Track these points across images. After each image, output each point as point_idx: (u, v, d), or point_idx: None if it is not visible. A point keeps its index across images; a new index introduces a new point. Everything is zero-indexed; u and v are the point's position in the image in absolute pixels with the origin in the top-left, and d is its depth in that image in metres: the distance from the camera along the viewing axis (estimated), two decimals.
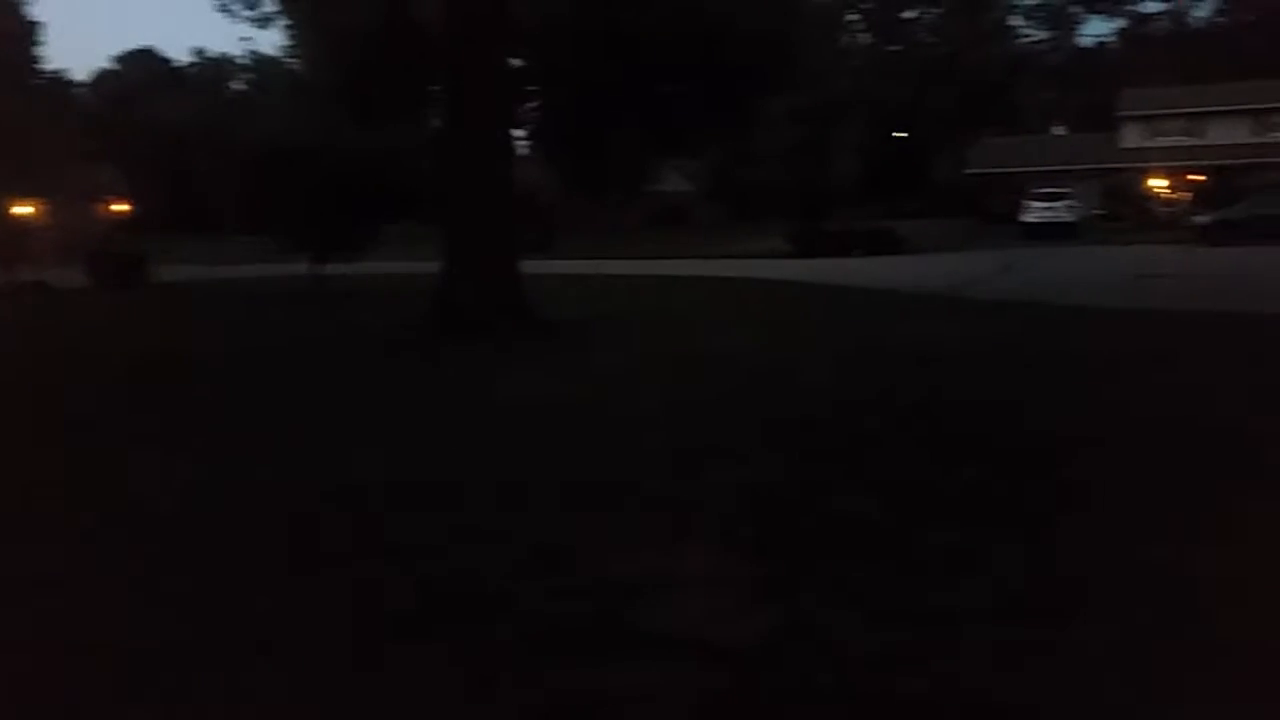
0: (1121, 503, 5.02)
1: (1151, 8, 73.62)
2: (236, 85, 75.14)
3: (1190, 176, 45.00)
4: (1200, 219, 31.71)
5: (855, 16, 70.99)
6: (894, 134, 59.34)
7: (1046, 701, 3.09)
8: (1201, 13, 73.28)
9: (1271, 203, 30.32)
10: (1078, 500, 5.06)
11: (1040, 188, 38.34)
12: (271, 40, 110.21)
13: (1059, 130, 54.68)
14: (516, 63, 43.36)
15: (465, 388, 9.41)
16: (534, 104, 54.15)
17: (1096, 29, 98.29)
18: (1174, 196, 44.56)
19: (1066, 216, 35.89)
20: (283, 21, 53.13)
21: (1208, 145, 45.19)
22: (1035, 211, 36.47)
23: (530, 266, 14.41)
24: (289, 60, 59.33)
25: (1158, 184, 45.11)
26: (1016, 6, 75.29)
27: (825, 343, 11.65)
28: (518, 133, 58.03)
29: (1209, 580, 3.95)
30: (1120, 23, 75.17)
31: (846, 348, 11.14)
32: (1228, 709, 3.07)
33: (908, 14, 70.03)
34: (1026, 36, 76.11)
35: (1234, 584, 3.89)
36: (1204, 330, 11.38)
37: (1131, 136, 47.41)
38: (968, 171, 50.67)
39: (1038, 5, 76.11)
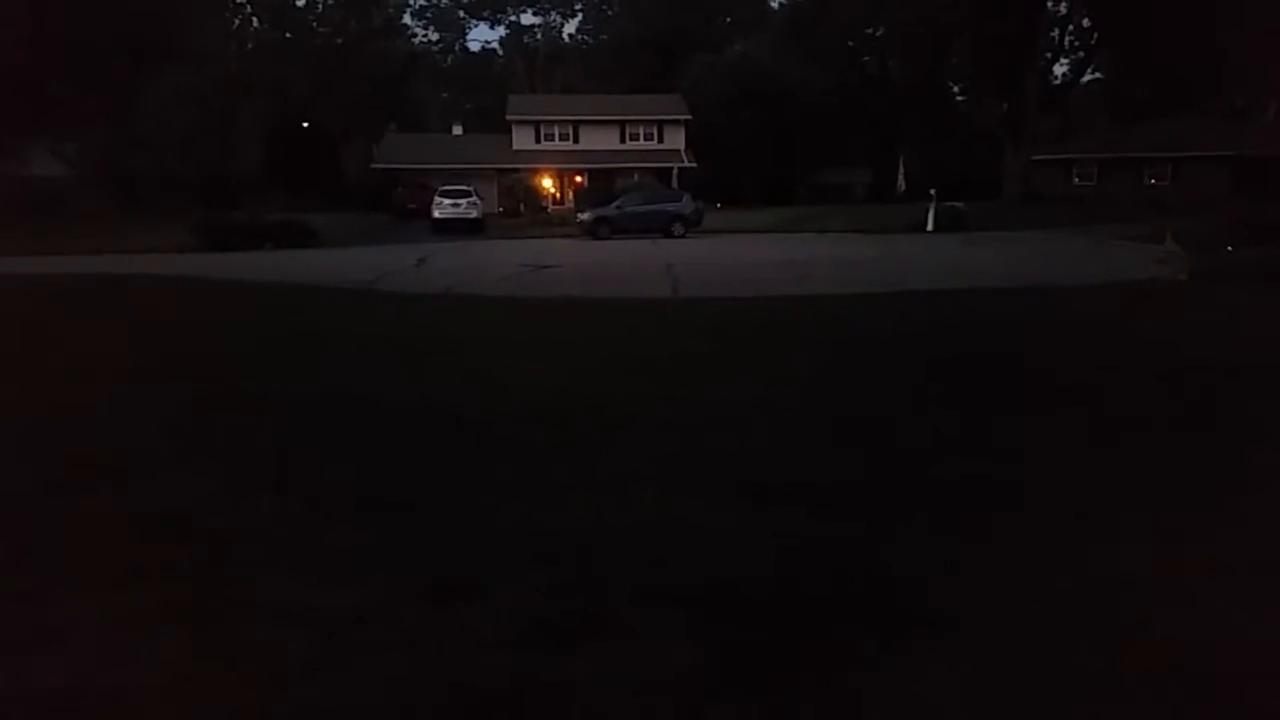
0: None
1: (529, 20, 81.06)
2: None
3: (575, 178, 50.75)
4: (583, 216, 36.10)
5: None
6: (299, 124, 57.82)
7: None
8: (571, 29, 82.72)
9: (635, 202, 35.58)
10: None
11: (446, 185, 40.22)
12: None
13: (458, 130, 57.72)
14: None
15: None
16: None
17: (483, 34, 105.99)
18: (560, 195, 49.96)
19: (471, 213, 38.17)
20: None
21: (584, 150, 51.23)
22: (443, 208, 38.21)
23: None
24: None
25: (547, 184, 50.09)
26: (407, 5, 78.12)
27: (211, 347, 10.89)
28: None
29: None
30: (503, 31, 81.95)
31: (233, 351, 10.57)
32: None
33: (298, 2, 68.60)
34: (418, 36, 79.50)
35: None
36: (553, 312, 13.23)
37: (521, 139, 51.76)
38: (375, 166, 51.30)
39: (426, 6, 79.84)
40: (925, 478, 5.40)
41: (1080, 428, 6.48)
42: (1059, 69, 53.44)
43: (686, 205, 35.13)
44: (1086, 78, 54.61)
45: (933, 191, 35.28)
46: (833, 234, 33.63)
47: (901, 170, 47.79)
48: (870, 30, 57.55)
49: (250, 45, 67.09)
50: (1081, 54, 53.18)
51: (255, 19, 68.87)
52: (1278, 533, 4.54)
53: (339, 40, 66.70)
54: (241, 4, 68.01)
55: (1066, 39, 52.00)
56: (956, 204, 35.69)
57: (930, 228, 33.91)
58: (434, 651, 3.43)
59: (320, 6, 69.09)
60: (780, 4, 67.30)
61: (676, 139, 51.59)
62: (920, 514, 4.79)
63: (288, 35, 66.89)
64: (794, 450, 6.00)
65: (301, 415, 7.05)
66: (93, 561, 4.22)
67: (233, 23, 67.62)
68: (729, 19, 68.90)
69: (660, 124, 51.93)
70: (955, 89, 59.88)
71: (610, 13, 77.95)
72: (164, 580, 4.00)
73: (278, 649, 3.42)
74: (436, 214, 38.09)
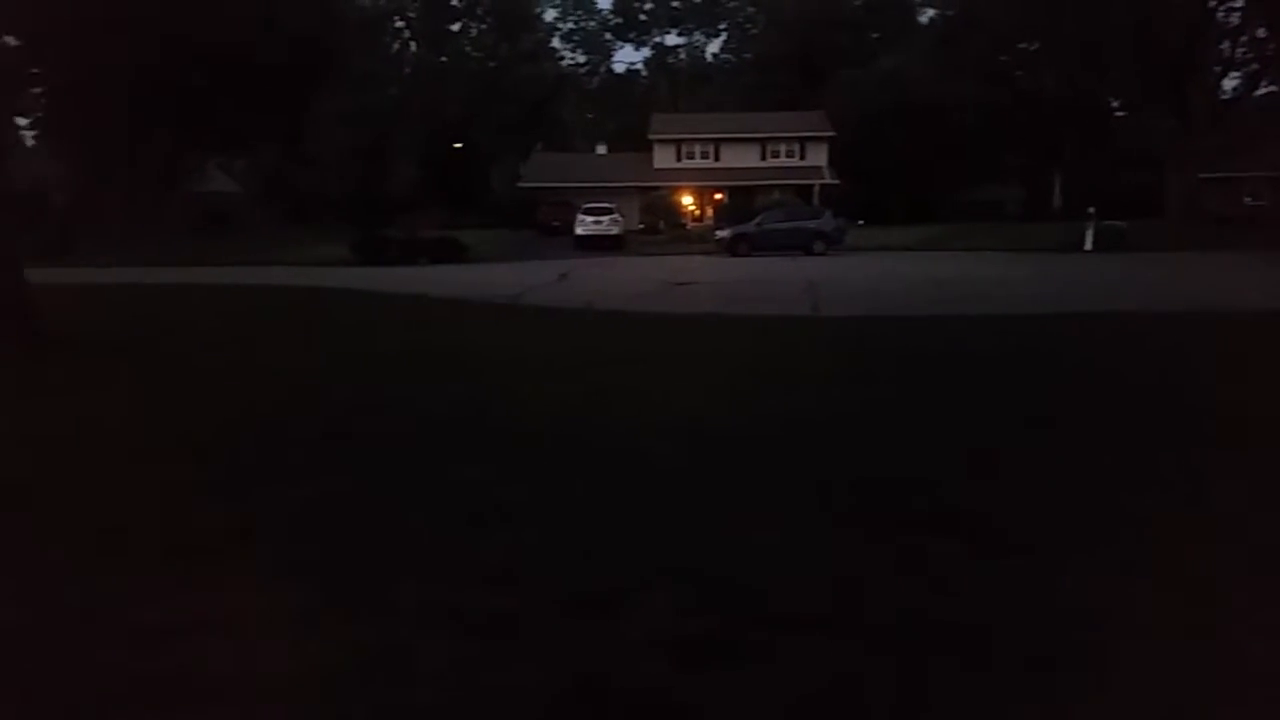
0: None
1: (673, 41, 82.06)
2: None
3: (715, 195, 50.94)
4: (722, 233, 36.14)
5: (401, 24, 71.07)
6: (452, 144, 60.14)
7: None
8: (714, 49, 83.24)
9: (775, 219, 35.39)
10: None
11: (589, 203, 41.11)
12: None
13: (601, 149, 58.84)
14: (11, 40, 37.53)
15: None
16: (39, 89, 47.16)
17: (628, 56, 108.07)
18: (700, 213, 50.21)
19: (613, 230, 38.89)
20: None
21: (725, 168, 51.37)
22: (585, 225, 39.04)
23: (47, 275, 12.43)
24: None
25: (686, 201, 50.44)
26: (556, 29, 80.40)
27: (368, 350, 11.35)
28: (19, 121, 50.20)
29: None
30: (647, 52, 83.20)
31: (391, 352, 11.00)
32: None
33: (453, 27, 71.50)
34: (566, 59, 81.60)
35: None
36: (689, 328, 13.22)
37: (663, 158, 52.36)
38: (521, 185, 52.77)
39: (574, 30, 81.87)
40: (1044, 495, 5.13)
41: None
42: (1229, 83, 50.30)
43: (828, 222, 34.73)
44: (1260, 91, 51.16)
45: (1091, 209, 33.79)
46: (983, 252, 32.60)
47: (1057, 187, 45.89)
48: (1024, 44, 55.59)
49: (408, 69, 70.30)
50: (1255, 66, 49.88)
51: (414, 43, 72.19)
52: None
53: (491, 64, 69.09)
54: (401, 29, 71.44)
55: (1238, 51, 48.89)
56: (1117, 223, 34.04)
57: (1089, 247, 32.47)
58: None
59: (475, 31, 71.86)
60: (930, 19, 65.94)
61: (819, 156, 51.10)
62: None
63: (443, 59, 69.75)
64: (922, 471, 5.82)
65: (433, 425, 7.27)
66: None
67: (392, 47, 71.07)
68: (876, 35, 67.89)
69: (802, 141, 51.56)
70: (1115, 104, 57.15)
71: (754, 31, 78.05)
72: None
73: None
74: (579, 231, 38.95)
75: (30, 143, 52.86)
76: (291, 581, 4.01)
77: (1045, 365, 9.83)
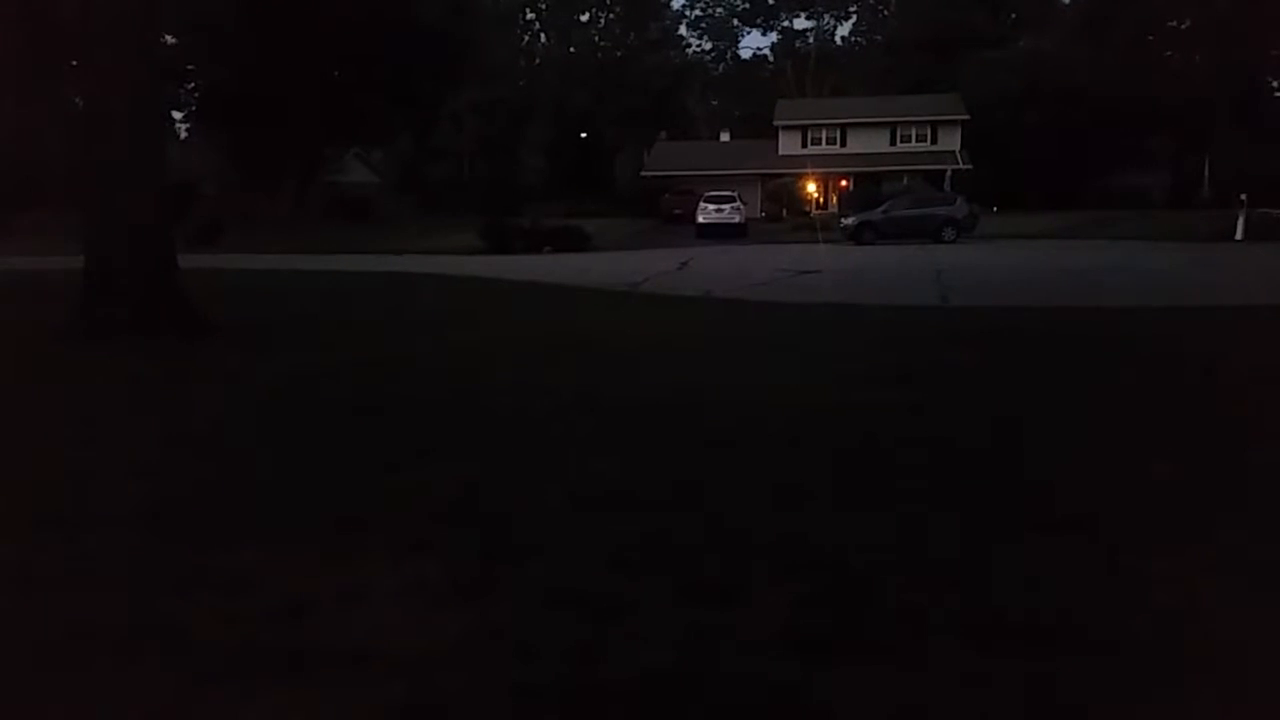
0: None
1: (801, 25, 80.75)
2: None
3: (840, 182, 50.10)
4: (846, 220, 35.52)
5: (532, 16, 72.30)
6: (579, 134, 60.92)
7: None
8: (844, 32, 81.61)
9: (902, 206, 34.57)
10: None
11: (711, 191, 41.01)
12: None
13: (725, 136, 58.55)
14: (170, 39, 39.89)
15: (107, 401, 8.35)
16: (192, 84, 50.11)
17: (755, 41, 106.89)
18: (824, 200, 49.47)
19: (735, 218, 38.70)
20: None
21: (851, 154, 50.42)
22: (707, 213, 38.97)
23: (197, 261, 13.21)
24: None
25: (810, 188, 49.76)
26: (683, 16, 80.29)
27: (508, 337, 11.65)
28: (175, 115, 53.39)
29: None
30: (774, 37, 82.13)
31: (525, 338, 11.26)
32: None
33: (582, 17, 72.25)
34: (692, 46, 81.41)
35: None
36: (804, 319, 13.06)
37: (787, 144, 51.75)
38: (645, 173, 53.03)
39: (702, 16, 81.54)
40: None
41: None
42: None
43: (959, 209, 33.72)
44: None
45: (1243, 196, 31.77)
46: (1125, 240, 31.09)
47: (1207, 173, 43.26)
48: (1175, 23, 52.54)
49: (538, 60, 71.50)
50: None
51: (544, 35, 73.37)
52: None
53: (619, 53, 69.60)
54: (531, 21, 72.69)
55: None
56: (1272, 211, 31.91)
57: (1240, 236, 30.58)
58: None
59: (603, 21, 72.46)
60: None
61: (951, 140, 49.62)
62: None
63: (572, 50, 70.65)
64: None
65: (548, 406, 7.43)
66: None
67: (523, 39, 72.40)
68: (1014, 14, 65.33)
69: (934, 124, 50.17)
70: (1275, 84, 53.45)
71: (886, 13, 76.18)
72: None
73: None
74: (701, 219, 38.92)
75: (183, 135, 56.14)
76: None
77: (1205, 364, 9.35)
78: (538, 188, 57.80)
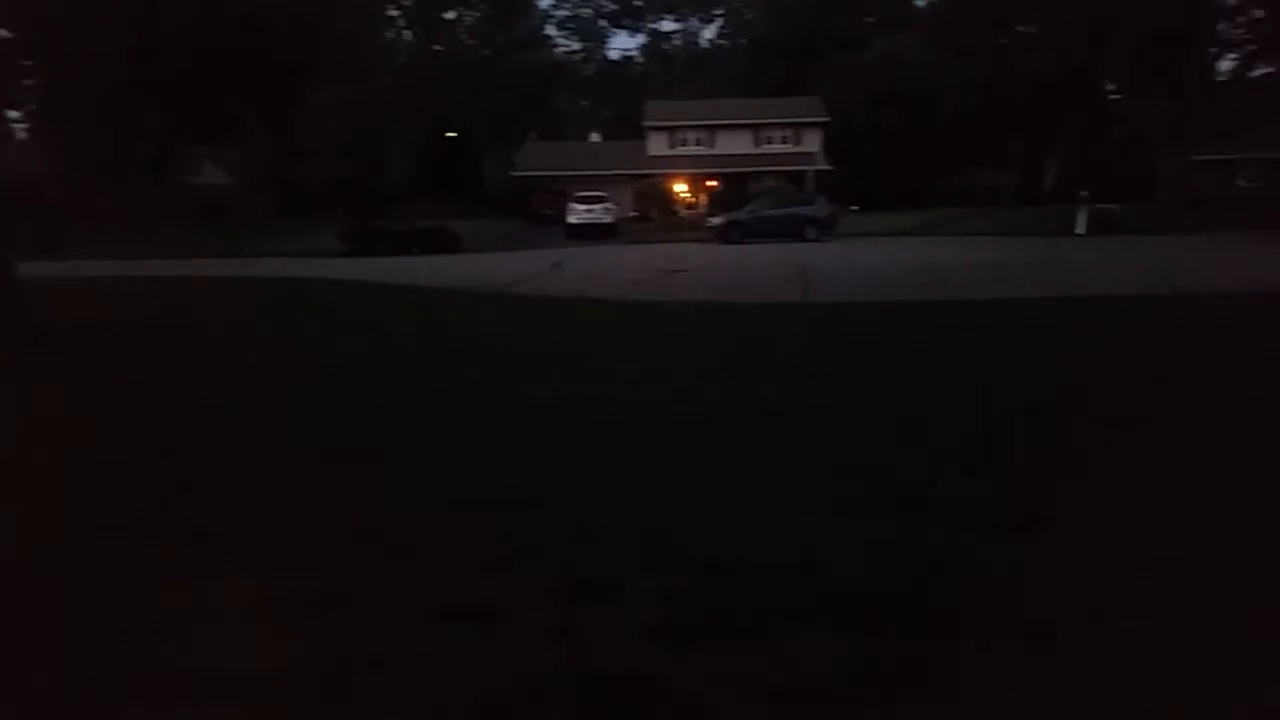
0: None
1: (668, 27, 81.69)
2: None
3: (708, 182, 50.81)
4: (715, 220, 36.07)
5: (396, 13, 70.79)
6: (446, 133, 59.93)
7: None
8: (709, 34, 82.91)
9: (768, 206, 35.30)
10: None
11: (581, 191, 40.96)
12: None
13: (595, 137, 58.58)
14: (4, 33, 37.37)
15: None
16: (31, 80, 47.04)
17: (623, 43, 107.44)
18: (694, 200, 50.09)
19: (605, 218, 38.75)
20: None
21: (719, 154, 51.20)
22: (578, 213, 38.91)
23: (36, 269, 12.39)
24: None
25: (680, 189, 50.31)
26: (551, 17, 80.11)
27: (350, 345, 11.34)
28: (12, 114, 50.01)
29: None
30: (642, 39, 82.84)
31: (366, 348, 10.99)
32: None
33: (448, 15, 71.16)
34: (561, 46, 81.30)
35: None
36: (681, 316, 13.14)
37: (656, 145, 52.15)
38: (515, 174, 52.60)
39: (570, 17, 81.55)
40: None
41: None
42: (1225, 64, 50.19)
43: (821, 209, 34.63)
44: (1256, 72, 51.01)
45: (1084, 193, 33.73)
46: (975, 237, 32.55)
47: (1051, 171, 45.78)
48: (1021, 27, 55.39)
49: (403, 58, 70.03)
50: (1252, 47, 49.64)
51: (409, 32, 71.87)
52: None
53: (486, 52, 68.83)
54: (396, 17, 71.11)
55: (1235, 32, 48.71)
56: (1110, 206, 33.98)
57: (1081, 231, 32.42)
58: None
59: (470, 20, 71.52)
60: (926, 1, 65.63)
61: (813, 142, 50.96)
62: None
63: (438, 48, 69.50)
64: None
65: (423, 410, 7.26)
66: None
67: (387, 36, 70.74)
68: (871, 19, 67.56)
69: (797, 127, 51.41)
70: (1111, 88, 56.98)
71: (749, 16, 77.73)
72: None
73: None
74: (571, 219, 38.83)
75: (21, 135, 52.65)
76: None
77: (1026, 350, 9.83)
78: (405, 188, 56.59)
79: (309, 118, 55.03)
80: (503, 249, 32.97)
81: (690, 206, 49.16)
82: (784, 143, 51.43)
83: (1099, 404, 7.22)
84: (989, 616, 3.66)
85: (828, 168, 48.66)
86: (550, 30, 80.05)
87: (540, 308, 15.14)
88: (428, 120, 61.72)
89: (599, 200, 39.52)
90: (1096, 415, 6.83)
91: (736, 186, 47.43)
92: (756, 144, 51.55)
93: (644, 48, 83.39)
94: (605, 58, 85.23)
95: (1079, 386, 7.90)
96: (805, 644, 3.45)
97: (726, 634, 3.55)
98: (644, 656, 3.38)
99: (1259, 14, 48.00)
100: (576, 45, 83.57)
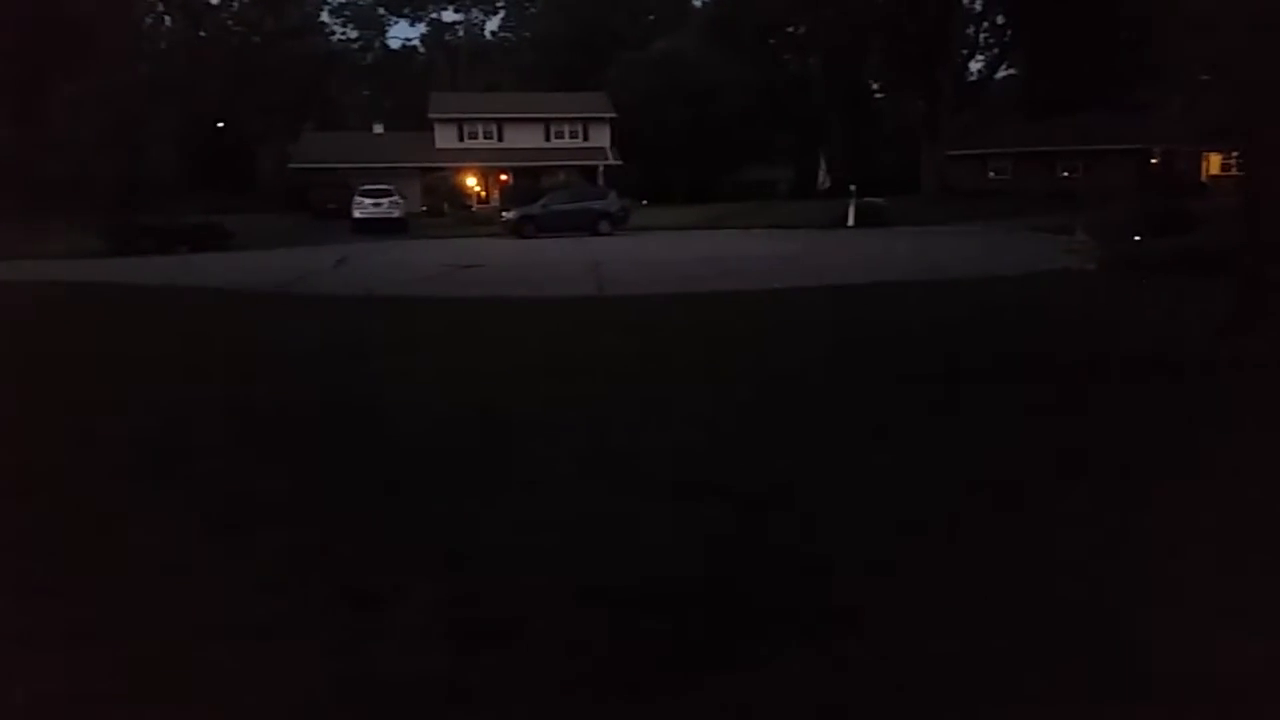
0: None
1: (450, 17, 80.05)
2: None
3: (500, 176, 50.33)
4: (508, 215, 35.78)
5: None
6: (214, 125, 56.37)
7: None
8: (493, 26, 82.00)
9: (560, 200, 35.40)
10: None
11: (367, 184, 39.50)
12: None
13: (379, 128, 56.66)
14: None
15: None
16: None
17: (404, 32, 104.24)
18: (485, 194, 49.52)
19: (394, 212, 37.56)
20: None
21: (509, 148, 50.78)
22: (364, 208, 37.54)
23: None
24: None
25: (471, 183, 49.60)
26: (326, 3, 76.81)
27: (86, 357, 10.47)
28: None
29: None
30: (423, 28, 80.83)
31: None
32: None
33: (212, 0, 66.85)
34: (337, 34, 78.13)
35: None
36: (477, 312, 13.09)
37: (444, 137, 51.06)
38: (292, 166, 50.17)
39: (346, 3, 78.53)
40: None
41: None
42: (974, 66, 54.63)
43: (612, 203, 35.07)
44: (1001, 74, 55.91)
45: (853, 187, 35.80)
46: (756, 230, 33.89)
47: (824, 167, 48.44)
48: (791, 29, 58.06)
49: (163, 44, 65.21)
50: (996, 51, 54.33)
51: (168, 17, 66.97)
52: None
53: (255, 39, 65.19)
54: (153, 2, 66.04)
55: (981, 36, 53.14)
56: (876, 200, 36.25)
57: (851, 223, 34.39)
58: None
59: (236, 4, 67.42)
60: (703, 1, 67.63)
61: (601, 137, 51.50)
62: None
63: (202, 34, 65.18)
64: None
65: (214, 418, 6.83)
66: None
67: (144, 21, 65.57)
68: (653, 16, 68.96)
69: (585, 122, 51.80)
70: (875, 87, 60.79)
71: (532, 10, 77.51)
72: None
73: None
74: (357, 214, 37.43)
75: None
76: None
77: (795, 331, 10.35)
78: (170, 183, 52.72)
79: (58, 108, 50.30)
80: (282, 245, 31.33)
81: (483, 201, 48.56)
82: (574, 137, 51.68)
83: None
84: None
85: (617, 163, 49.30)
86: (325, 18, 76.75)
87: (315, 308, 14.48)
88: (193, 111, 57.77)
89: (386, 194, 38.25)
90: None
91: (528, 181, 47.23)
92: (547, 138, 51.54)
93: (426, 38, 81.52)
94: (386, 47, 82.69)
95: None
96: None
97: None
98: None
99: (1000, 20, 52.60)
100: (354, 33, 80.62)
